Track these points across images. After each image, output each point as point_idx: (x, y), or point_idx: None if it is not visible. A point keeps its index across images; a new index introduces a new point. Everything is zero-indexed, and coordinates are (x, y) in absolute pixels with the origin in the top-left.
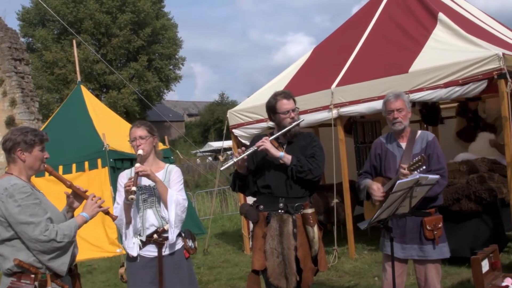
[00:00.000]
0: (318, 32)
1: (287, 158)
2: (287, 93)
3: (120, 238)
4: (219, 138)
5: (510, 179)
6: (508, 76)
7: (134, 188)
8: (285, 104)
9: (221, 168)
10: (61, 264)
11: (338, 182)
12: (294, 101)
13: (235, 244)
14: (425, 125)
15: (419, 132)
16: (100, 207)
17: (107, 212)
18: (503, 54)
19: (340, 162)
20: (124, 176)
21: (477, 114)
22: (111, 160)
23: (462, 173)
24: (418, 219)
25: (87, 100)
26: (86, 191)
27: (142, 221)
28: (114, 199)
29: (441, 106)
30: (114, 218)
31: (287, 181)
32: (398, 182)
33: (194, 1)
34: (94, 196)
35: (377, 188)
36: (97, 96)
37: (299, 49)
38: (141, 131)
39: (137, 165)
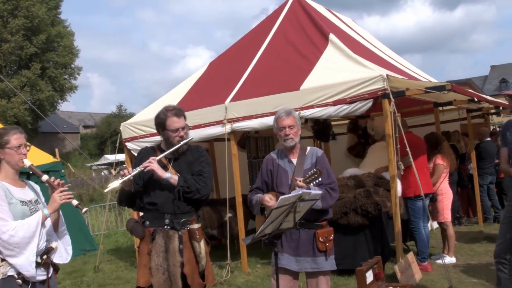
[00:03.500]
0: (218, 47)
1: (174, 179)
2: (178, 110)
3: None
4: (119, 151)
5: (393, 193)
6: (391, 96)
7: (75, 201)
8: (175, 122)
9: (105, 190)
10: None
11: (231, 197)
12: (185, 118)
13: (128, 260)
14: (318, 141)
15: (309, 148)
16: None
17: None
18: (387, 75)
19: (233, 177)
20: None
21: (366, 131)
22: None
23: (350, 187)
24: (311, 232)
25: None
26: None
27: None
28: None
29: (333, 123)
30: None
31: (174, 199)
32: (280, 197)
33: (93, 9)
34: None
35: (269, 198)
36: None
37: (199, 63)
38: (24, 139)
39: (51, 178)
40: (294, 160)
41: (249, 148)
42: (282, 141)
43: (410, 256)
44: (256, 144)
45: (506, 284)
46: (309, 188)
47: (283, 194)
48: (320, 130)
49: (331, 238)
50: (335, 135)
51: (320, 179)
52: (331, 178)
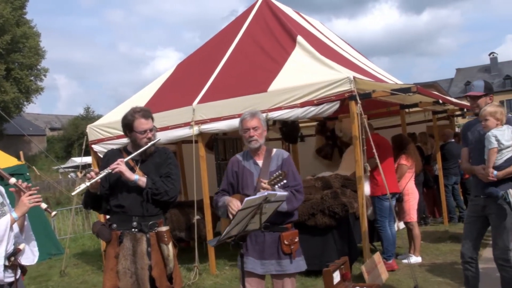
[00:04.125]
0: (188, 48)
1: (142, 181)
2: (146, 111)
3: None
4: (86, 153)
5: (360, 194)
6: (358, 98)
7: (44, 205)
8: (143, 124)
9: (72, 193)
10: None
11: (199, 199)
12: (153, 119)
13: (95, 263)
14: (287, 143)
15: (275, 150)
16: None
17: None
18: (354, 77)
19: (201, 179)
20: None
21: (334, 132)
22: None
23: (317, 189)
24: (276, 235)
25: None
26: None
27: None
28: None
29: (302, 125)
30: None
31: (143, 201)
32: (246, 199)
33: (60, 10)
34: None
35: (236, 204)
36: None
37: (168, 65)
38: None
39: (19, 181)
40: (260, 162)
41: (217, 150)
42: (247, 143)
43: (377, 256)
44: (224, 146)
45: (474, 283)
46: (274, 190)
47: (249, 196)
48: (288, 132)
49: (296, 240)
50: (303, 137)
51: (285, 181)
52: (297, 181)
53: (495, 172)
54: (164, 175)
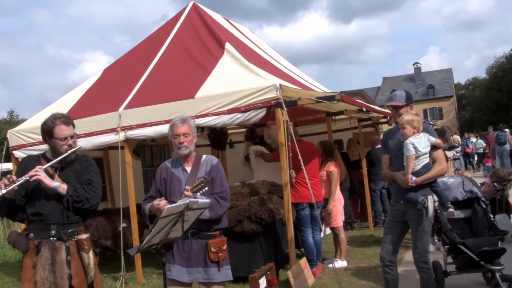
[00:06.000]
0: (117, 52)
1: (63, 188)
2: (67, 118)
3: None
4: (6, 159)
5: (286, 200)
6: (284, 106)
7: None
8: (63, 130)
9: None
10: None
11: (125, 206)
12: (74, 126)
13: (16, 275)
14: (216, 150)
15: (204, 156)
16: None
17: None
18: (280, 85)
19: (127, 186)
20: None
21: (263, 139)
22: None
23: (244, 195)
24: (203, 242)
25: None
26: None
27: None
28: None
29: (231, 131)
30: None
31: (63, 209)
32: (167, 207)
33: None
34: None
35: (158, 201)
36: None
37: (97, 68)
38: None
39: None
40: (189, 169)
41: (144, 157)
42: (177, 149)
43: (303, 261)
44: (151, 152)
45: (393, 285)
46: (195, 197)
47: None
48: (216, 138)
49: (224, 248)
50: (232, 143)
51: (206, 188)
52: (224, 187)
53: (414, 178)
54: (85, 183)
